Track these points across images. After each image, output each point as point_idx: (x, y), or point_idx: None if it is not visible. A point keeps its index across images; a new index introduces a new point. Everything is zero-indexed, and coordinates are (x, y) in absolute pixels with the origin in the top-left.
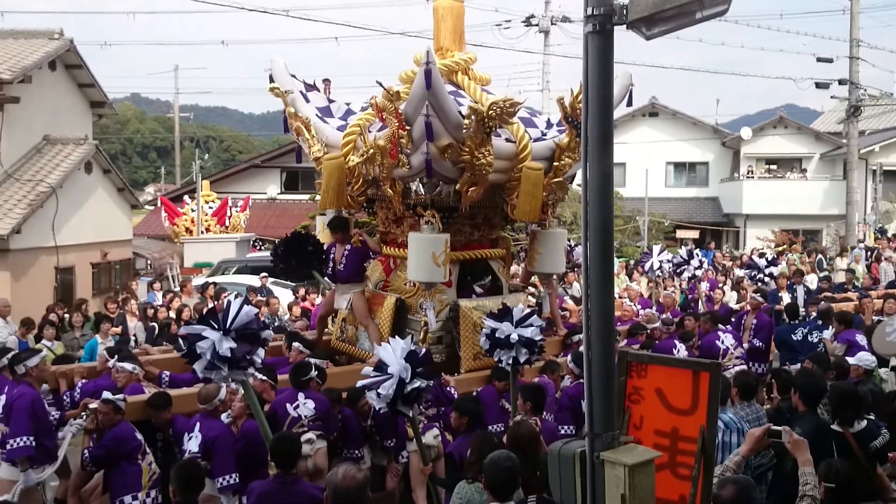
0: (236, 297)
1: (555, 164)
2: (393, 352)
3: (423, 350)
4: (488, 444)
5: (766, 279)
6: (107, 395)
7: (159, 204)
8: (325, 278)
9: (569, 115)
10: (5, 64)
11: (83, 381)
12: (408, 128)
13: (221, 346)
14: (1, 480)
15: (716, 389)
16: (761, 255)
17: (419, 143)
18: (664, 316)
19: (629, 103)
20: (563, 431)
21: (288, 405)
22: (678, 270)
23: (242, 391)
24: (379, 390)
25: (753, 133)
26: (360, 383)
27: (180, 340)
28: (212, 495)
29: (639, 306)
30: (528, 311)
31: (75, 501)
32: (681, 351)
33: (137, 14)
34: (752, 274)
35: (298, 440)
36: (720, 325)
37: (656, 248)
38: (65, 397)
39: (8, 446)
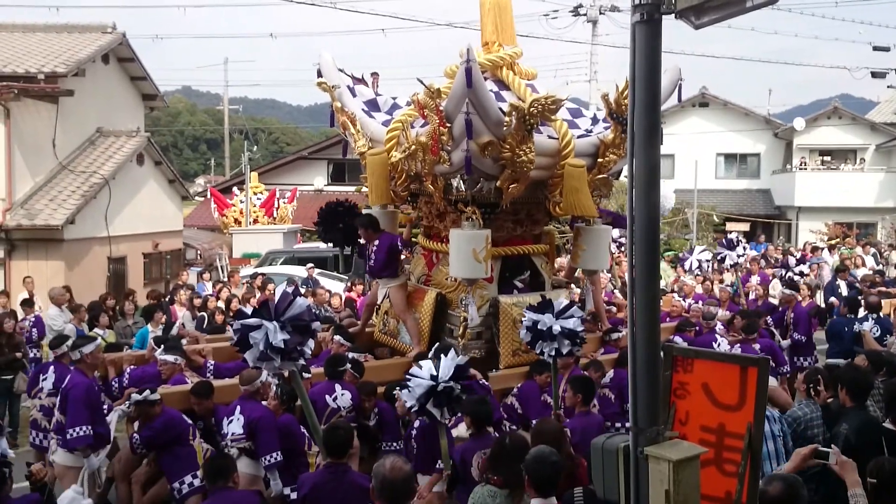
0: (294, 288)
1: (599, 160)
2: (435, 360)
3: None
4: (503, 445)
5: (796, 278)
6: (136, 396)
7: (209, 195)
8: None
9: (613, 111)
10: (60, 58)
11: (131, 368)
12: (448, 125)
13: (275, 338)
14: (58, 465)
15: (764, 385)
16: (801, 251)
17: (460, 140)
18: (706, 310)
19: (679, 98)
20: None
21: (327, 396)
22: (720, 258)
23: (275, 384)
24: (410, 383)
25: (807, 123)
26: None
27: (231, 330)
28: (256, 475)
29: (691, 301)
30: (567, 302)
31: (125, 487)
32: (722, 345)
33: (188, 7)
34: (782, 273)
35: (351, 430)
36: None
37: (697, 249)
38: (113, 383)
39: (68, 436)
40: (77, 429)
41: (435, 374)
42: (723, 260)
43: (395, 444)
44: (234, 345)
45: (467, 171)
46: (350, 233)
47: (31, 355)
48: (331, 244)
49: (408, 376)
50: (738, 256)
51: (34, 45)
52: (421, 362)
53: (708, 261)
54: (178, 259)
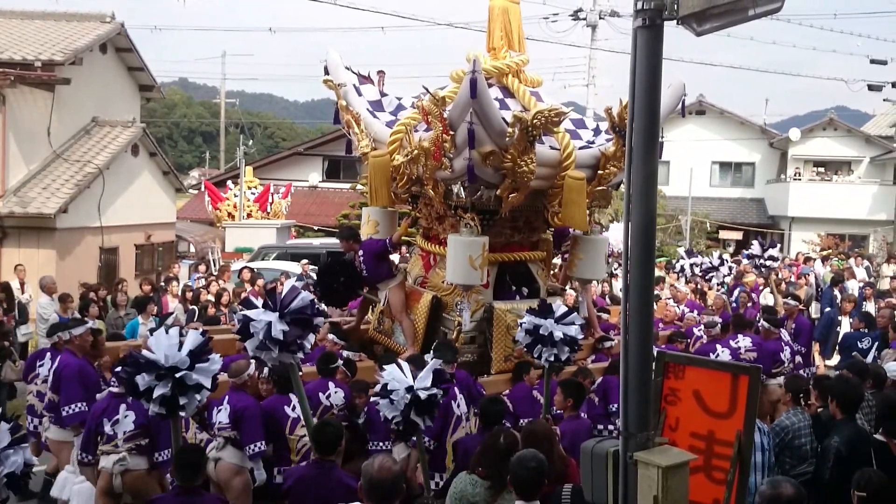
0: (297, 281)
1: (599, 172)
2: (406, 368)
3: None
4: (495, 441)
5: (768, 263)
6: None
7: (203, 188)
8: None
9: (616, 124)
10: (57, 46)
11: None
12: (452, 133)
13: (275, 328)
14: (52, 441)
15: (755, 394)
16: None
17: (462, 148)
18: (707, 318)
19: (683, 114)
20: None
21: (321, 394)
22: (707, 277)
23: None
24: (393, 397)
25: (802, 134)
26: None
27: (234, 319)
28: (241, 465)
29: (685, 308)
30: (566, 308)
31: None
32: (721, 355)
33: None
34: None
35: (340, 427)
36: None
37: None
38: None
39: (63, 412)
40: (71, 406)
41: (412, 382)
42: (710, 279)
43: (381, 444)
44: (236, 333)
45: (469, 179)
46: (350, 288)
47: None
48: (333, 305)
49: (386, 386)
50: (725, 276)
51: (32, 32)
52: (391, 369)
53: (699, 265)
54: (170, 251)
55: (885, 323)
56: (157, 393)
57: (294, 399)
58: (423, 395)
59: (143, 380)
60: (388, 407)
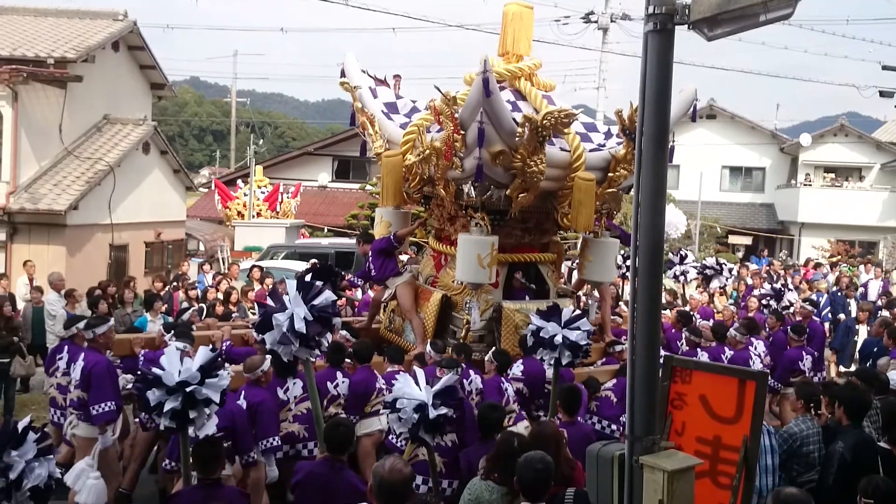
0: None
1: (609, 174)
2: (419, 380)
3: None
4: (509, 445)
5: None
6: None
7: (213, 187)
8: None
9: (626, 127)
10: (70, 43)
11: (145, 351)
12: (462, 132)
13: (298, 320)
14: (80, 438)
15: (761, 399)
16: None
17: (472, 147)
18: (735, 330)
19: (693, 118)
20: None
21: (328, 383)
22: (707, 278)
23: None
24: (401, 414)
25: (813, 140)
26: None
27: (256, 307)
28: (258, 460)
29: (698, 316)
30: (577, 312)
31: (138, 467)
32: (756, 364)
33: None
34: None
35: (352, 428)
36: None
37: (690, 257)
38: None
39: (93, 411)
40: (102, 405)
41: (424, 397)
42: (709, 280)
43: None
44: (254, 325)
45: (478, 178)
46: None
47: None
48: None
49: (395, 401)
50: (726, 280)
51: (45, 29)
52: (405, 381)
53: (695, 266)
54: (179, 249)
55: (877, 331)
56: (167, 407)
57: (288, 382)
58: (432, 414)
59: (153, 395)
60: (396, 422)
